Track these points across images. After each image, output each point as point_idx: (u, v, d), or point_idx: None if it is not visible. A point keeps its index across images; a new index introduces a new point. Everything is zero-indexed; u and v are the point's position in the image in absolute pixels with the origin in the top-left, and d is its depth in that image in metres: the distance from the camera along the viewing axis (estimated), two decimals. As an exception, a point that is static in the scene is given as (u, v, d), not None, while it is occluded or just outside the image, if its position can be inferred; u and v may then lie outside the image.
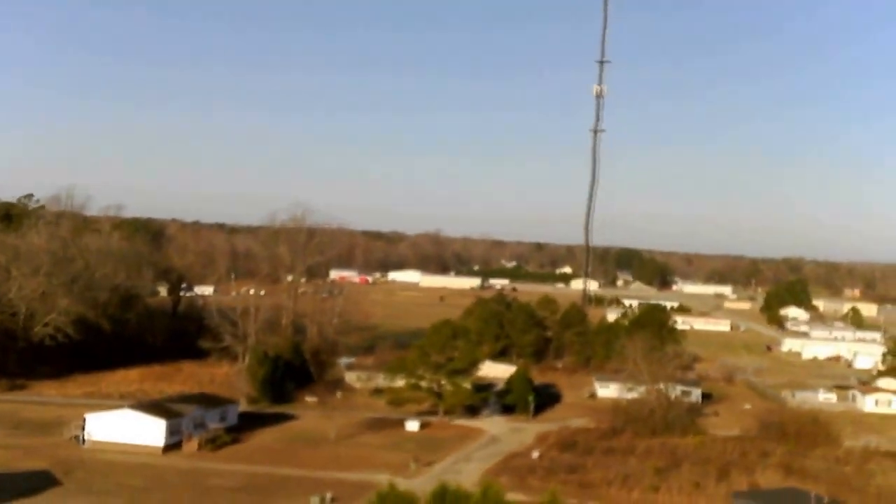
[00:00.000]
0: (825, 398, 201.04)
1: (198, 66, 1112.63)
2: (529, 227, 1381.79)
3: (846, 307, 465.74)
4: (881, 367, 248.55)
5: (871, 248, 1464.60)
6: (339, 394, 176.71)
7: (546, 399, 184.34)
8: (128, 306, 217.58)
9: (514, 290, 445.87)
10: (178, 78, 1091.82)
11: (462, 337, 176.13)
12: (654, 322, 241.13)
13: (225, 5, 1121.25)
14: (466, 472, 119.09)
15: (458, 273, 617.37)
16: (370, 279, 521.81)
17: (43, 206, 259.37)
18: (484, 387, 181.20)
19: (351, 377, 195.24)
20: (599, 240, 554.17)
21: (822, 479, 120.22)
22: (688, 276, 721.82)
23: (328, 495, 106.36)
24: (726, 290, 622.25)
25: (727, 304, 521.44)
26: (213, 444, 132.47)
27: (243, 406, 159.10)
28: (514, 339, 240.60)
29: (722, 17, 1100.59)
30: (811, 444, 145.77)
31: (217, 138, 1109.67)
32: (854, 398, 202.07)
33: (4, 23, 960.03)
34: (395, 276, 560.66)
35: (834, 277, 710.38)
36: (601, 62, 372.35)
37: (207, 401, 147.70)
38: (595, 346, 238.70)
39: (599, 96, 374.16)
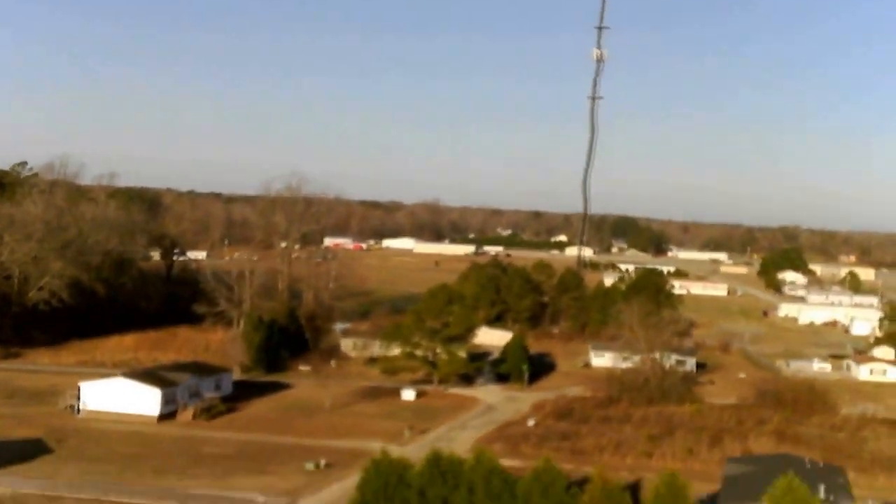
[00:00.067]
0: (820, 367, 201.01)
1: (192, 32, 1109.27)
2: (527, 195, 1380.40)
3: (843, 272, 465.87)
4: (878, 334, 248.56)
5: (867, 216, 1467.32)
6: (333, 362, 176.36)
7: (541, 368, 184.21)
8: (121, 270, 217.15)
9: (508, 256, 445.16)
10: (174, 44, 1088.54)
11: (458, 302, 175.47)
12: (651, 286, 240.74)
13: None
14: (460, 440, 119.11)
15: (453, 241, 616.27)
16: (364, 246, 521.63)
17: (36, 174, 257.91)
18: (479, 355, 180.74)
19: (347, 344, 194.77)
20: (596, 208, 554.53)
21: (815, 446, 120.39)
22: (683, 244, 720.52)
23: (322, 461, 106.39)
24: (722, 256, 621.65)
25: (724, 269, 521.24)
26: (209, 413, 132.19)
27: (237, 375, 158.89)
28: (511, 304, 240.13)
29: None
30: (807, 412, 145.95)
31: (213, 106, 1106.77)
32: (849, 367, 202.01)
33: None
34: (389, 243, 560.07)
35: (829, 245, 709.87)
36: (599, 28, 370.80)
37: (202, 369, 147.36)
38: (591, 311, 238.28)
39: (600, 60, 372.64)
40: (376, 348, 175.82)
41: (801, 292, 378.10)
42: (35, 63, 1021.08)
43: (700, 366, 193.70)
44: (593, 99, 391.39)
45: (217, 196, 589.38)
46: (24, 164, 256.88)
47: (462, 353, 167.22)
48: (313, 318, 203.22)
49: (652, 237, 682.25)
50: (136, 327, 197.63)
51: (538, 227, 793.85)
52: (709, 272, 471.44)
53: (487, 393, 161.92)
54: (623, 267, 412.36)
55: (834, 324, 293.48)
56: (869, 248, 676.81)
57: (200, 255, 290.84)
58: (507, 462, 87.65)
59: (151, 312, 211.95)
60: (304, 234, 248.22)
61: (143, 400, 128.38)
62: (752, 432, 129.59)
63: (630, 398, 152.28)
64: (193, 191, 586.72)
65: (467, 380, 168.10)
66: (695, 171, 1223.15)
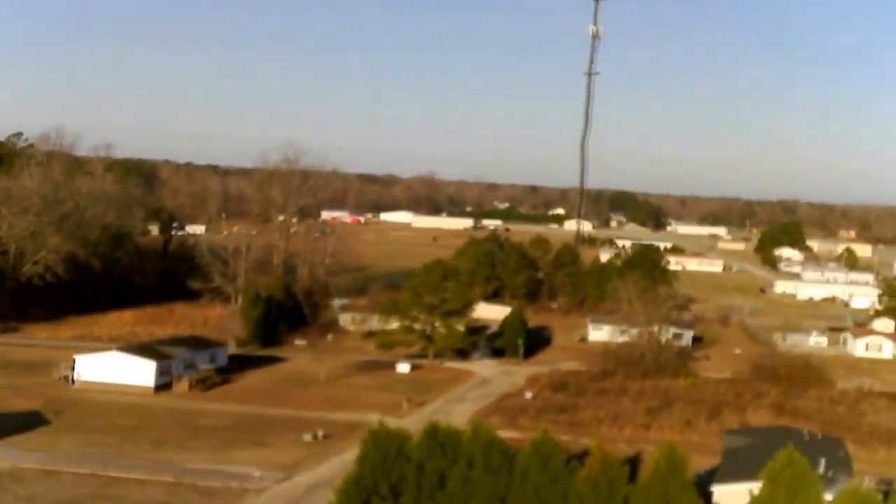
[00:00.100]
0: (816, 342, 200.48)
1: (190, 4, 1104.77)
2: (524, 169, 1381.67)
3: (840, 248, 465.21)
4: (878, 307, 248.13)
5: (866, 190, 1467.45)
6: (329, 336, 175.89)
7: (537, 342, 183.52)
8: (118, 245, 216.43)
9: (507, 230, 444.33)
10: (171, 16, 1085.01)
11: (453, 278, 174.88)
12: (647, 263, 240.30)
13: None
14: (458, 413, 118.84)
15: (451, 214, 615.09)
16: (362, 219, 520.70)
17: (32, 146, 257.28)
18: (477, 329, 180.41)
19: (345, 319, 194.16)
20: (593, 182, 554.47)
21: (814, 419, 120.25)
22: (682, 218, 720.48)
23: (320, 432, 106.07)
24: (721, 231, 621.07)
25: (721, 245, 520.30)
26: (204, 384, 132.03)
27: (233, 349, 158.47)
28: (506, 280, 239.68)
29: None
30: (804, 386, 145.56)
31: (210, 78, 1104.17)
32: (845, 342, 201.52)
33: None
34: (386, 216, 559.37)
35: (829, 219, 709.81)
36: (596, 0, 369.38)
37: (197, 343, 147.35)
38: (587, 287, 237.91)
39: (596, 37, 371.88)
40: (374, 322, 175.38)
41: (797, 269, 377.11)
42: (31, 33, 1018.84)
43: (697, 339, 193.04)
44: (590, 75, 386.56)
45: (214, 168, 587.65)
46: (19, 134, 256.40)
47: (460, 327, 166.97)
48: (310, 293, 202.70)
49: (650, 211, 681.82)
50: (132, 303, 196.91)
51: (535, 201, 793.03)
52: (705, 248, 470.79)
53: (483, 367, 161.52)
54: (619, 243, 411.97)
55: (833, 299, 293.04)
56: (868, 222, 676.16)
57: (199, 229, 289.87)
58: (505, 434, 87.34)
59: (148, 288, 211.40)
60: (302, 207, 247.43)
61: (137, 373, 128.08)
62: (750, 405, 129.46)
63: (625, 372, 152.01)
64: (191, 163, 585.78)
65: (463, 354, 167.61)
66: (693, 145, 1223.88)
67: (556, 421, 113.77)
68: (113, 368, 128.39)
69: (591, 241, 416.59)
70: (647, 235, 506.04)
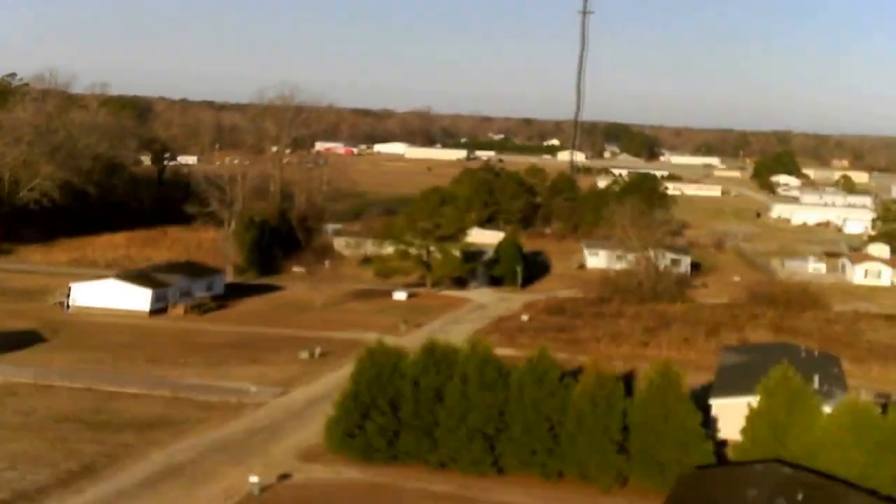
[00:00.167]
0: (815, 268, 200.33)
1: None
2: (518, 103, 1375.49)
3: (837, 175, 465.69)
4: (871, 233, 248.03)
5: (860, 120, 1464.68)
6: (327, 263, 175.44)
7: (535, 269, 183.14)
8: (112, 174, 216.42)
9: (501, 161, 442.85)
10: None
11: (450, 203, 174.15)
12: (644, 188, 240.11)
13: None
14: (456, 332, 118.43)
15: (445, 145, 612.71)
16: (355, 150, 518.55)
17: (27, 84, 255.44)
18: (473, 254, 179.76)
19: (339, 243, 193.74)
20: (588, 115, 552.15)
21: (812, 337, 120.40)
22: (676, 149, 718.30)
23: (317, 350, 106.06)
24: (714, 161, 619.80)
25: (717, 174, 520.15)
26: (199, 309, 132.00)
27: (230, 277, 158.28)
28: (503, 205, 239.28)
29: None
30: (801, 311, 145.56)
31: (207, 17, 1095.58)
32: (843, 268, 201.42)
33: None
34: (380, 148, 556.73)
35: (822, 149, 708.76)
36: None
37: (194, 270, 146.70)
38: (584, 211, 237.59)
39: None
40: (369, 247, 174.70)
41: (794, 193, 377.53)
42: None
43: (695, 266, 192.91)
44: (584, 13, 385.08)
45: (209, 104, 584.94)
46: (13, 75, 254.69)
47: (456, 252, 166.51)
48: (305, 219, 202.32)
49: (645, 142, 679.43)
50: (126, 227, 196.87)
51: (529, 133, 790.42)
52: (702, 176, 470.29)
53: (480, 294, 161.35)
54: (616, 171, 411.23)
55: (827, 224, 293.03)
56: (861, 153, 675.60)
57: (191, 160, 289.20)
58: (503, 351, 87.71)
59: (143, 213, 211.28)
60: (295, 138, 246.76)
61: (133, 300, 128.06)
62: (747, 325, 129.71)
63: (623, 299, 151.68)
64: (186, 99, 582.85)
65: (460, 283, 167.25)
66: (687, 79, 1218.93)
67: (554, 339, 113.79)
68: (109, 295, 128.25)
69: (587, 171, 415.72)
70: (640, 166, 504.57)
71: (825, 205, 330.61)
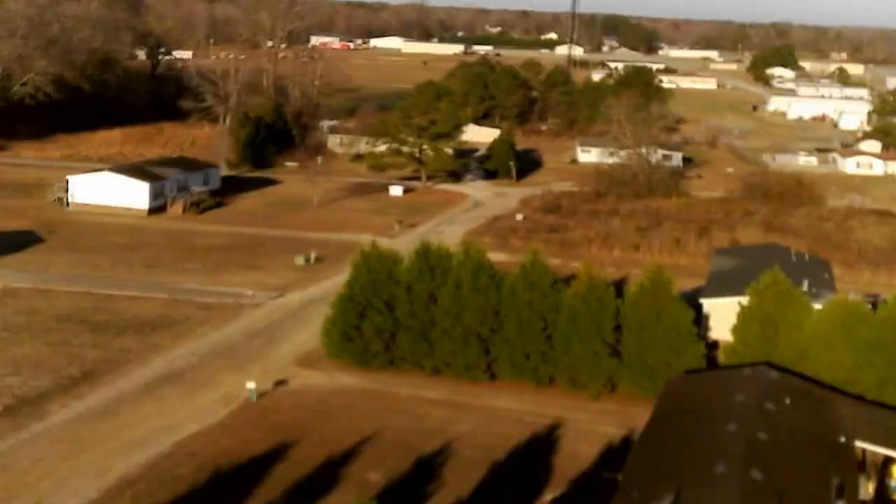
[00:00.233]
0: (806, 161, 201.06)
1: None
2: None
3: (832, 67, 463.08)
4: (866, 128, 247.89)
5: (860, 12, 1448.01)
6: (319, 158, 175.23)
7: (528, 164, 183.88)
8: (106, 68, 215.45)
9: (498, 55, 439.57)
10: None
11: (446, 98, 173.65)
12: (640, 82, 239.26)
13: None
14: (449, 233, 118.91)
15: (442, 40, 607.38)
16: (351, 45, 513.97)
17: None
18: (466, 152, 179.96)
19: (333, 141, 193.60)
20: (585, 6, 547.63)
21: (803, 236, 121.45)
22: (675, 42, 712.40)
23: (312, 254, 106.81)
24: (713, 54, 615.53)
25: (713, 66, 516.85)
26: (198, 207, 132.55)
27: (224, 171, 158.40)
28: (499, 100, 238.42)
29: None
30: (795, 204, 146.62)
31: None
32: (835, 161, 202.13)
33: None
34: (376, 42, 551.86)
35: (821, 42, 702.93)
36: None
37: (189, 165, 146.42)
38: (580, 106, 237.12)
39: None
40: (363, 145, 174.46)
41: (789, 86, 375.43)
42: None
43: (687, 160, 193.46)
44: None
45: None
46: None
47: (448, 150, 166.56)
48: (300, 114, 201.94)
49: (643, 35, 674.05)
50: (121, 123, 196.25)
51: (527, 25, 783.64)
52: (698, 69, 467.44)
53: (475, 189, 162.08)
54: (612, 64, 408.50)
55: (823, 118, 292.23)
56: (860, 45, 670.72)
57: (185, 54, 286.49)
58: (496, 256, 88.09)
59: (137, 108, 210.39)
60: (290, 32, 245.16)
61: (131, 194, 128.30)
62: (739, 223, 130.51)
63: (618, 193, 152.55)
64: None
65: (455, 176, 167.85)
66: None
67: (547, 241, 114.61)
68: (107, 190, 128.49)
69: (584, 65, 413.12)
70: (638, 59, 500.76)
71: (822, 97, 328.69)
